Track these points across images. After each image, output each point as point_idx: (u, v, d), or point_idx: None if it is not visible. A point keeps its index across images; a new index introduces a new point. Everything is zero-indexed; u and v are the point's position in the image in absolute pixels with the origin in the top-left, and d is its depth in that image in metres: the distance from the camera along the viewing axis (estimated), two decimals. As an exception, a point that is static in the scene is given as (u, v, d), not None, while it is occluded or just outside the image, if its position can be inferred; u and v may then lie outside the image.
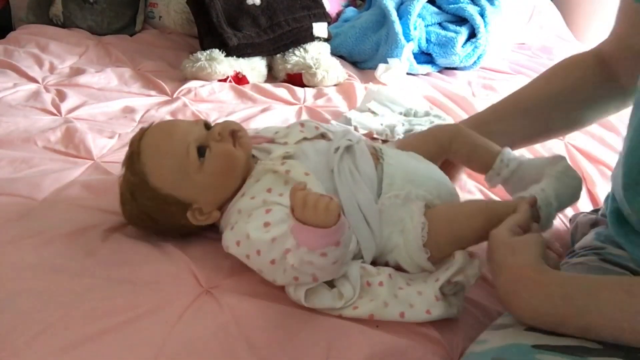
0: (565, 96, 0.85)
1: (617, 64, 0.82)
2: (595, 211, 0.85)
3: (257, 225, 0.66)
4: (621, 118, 1.35)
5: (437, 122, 1.20)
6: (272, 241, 0.64)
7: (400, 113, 1.25)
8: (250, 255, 0.66)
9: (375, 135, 1.15)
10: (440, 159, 0.88)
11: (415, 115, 1.24)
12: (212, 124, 0.77)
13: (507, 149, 0.85)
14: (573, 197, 0.79)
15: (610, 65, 0.82)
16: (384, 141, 1.13)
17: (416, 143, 0.87)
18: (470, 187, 0.98)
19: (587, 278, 0.61)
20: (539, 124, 0.89)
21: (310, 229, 0.58)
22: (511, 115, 0.89)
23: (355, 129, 1.15)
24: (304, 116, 1.25)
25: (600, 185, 1.08)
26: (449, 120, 1.22)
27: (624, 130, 1.30)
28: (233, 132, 0.74)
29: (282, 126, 0.85)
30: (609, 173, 1.13)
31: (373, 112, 1.24)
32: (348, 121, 1.20)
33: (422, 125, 1.18)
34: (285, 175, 0.71)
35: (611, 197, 0.71)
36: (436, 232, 0.69)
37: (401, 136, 1.13)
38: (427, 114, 1.24)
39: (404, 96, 1.33)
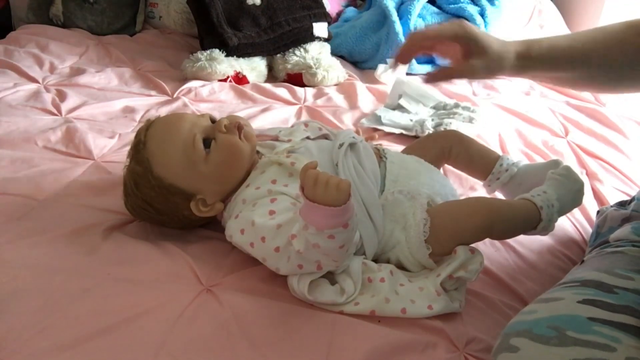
0: (610, 45, 0.75)
1: None
2: (622, 205, 0.85)
3: (262, 212, 0.66)
4: (624, 117, 1.35)
5: (467, 113, 1.19)
6: (277, 227, 0.64)
7: (431, 107, 1.25)
8: (255, 242, 0.66)
9: (405, 132, 1.15)
10: (440, 163, 0.89)
11: (445, 108, 1.25)
12: (217, 118, 0.77)
13: (506, 155, 0.86)
14: (575, 200, 0.79)
15: None
16: (415, 137, 1.13)
17: (418, 147, 0.88)
18: (472, 184, 0.98)
19: None
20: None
21: (320, 207, 0.58)
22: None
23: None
24: (304, 116, 1.25)
25: (604, 183, 1.08)
26: (478, 112, 1.21)
27: (625, 130, 1.30)
28: (239, 125, 0.75)
29: (285, 127, 0.85)
30: (613, 171, 1.13)
31: (404, 109, 1.24)
32: (378, 119, 1.19)
33: (451, 118, 1.17)
34: (291, 167, 0.72)
35: None
36: (438, 228, 0.69)
37: (431, 131, 1.13)
38: (456, 105, 1.24)
39: (432, 88, 1.33)
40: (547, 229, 0.74)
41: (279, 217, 0.65)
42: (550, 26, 1.95)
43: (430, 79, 0.76)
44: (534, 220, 0.73)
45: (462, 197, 0.95)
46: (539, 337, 0.52)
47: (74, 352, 0.58)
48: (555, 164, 0.82)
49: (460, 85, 1.51)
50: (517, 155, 1.13)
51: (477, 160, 0.87)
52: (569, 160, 1.15)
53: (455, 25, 0.72)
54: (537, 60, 0.74)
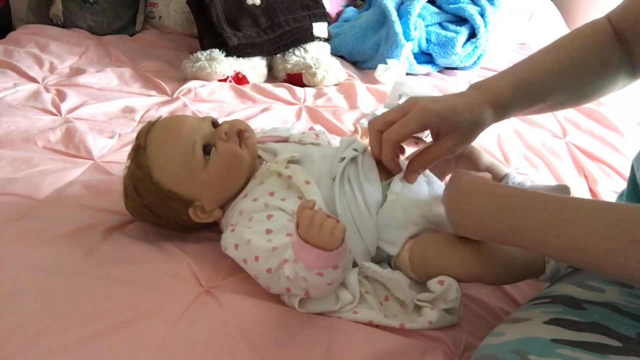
0: (576, 63, 0.74)
1: (632, 35, 0.72)
2: None
3: (259, 231, 0.66)
4: (622, 117, 1.35)
5: None
6: (272, 250, 0.63)
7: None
8: (248, 260, 0.66)
9: None
10: (446, 174, 0.87)
11: None
12: (219, 122, 0.76)
13: (513, 173, 0.84)
14: None
15: (624, 35, 0.74)
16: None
17: None
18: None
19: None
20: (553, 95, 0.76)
21: (311, 248, 0.57)
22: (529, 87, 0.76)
23: None
24: (304, 116, 1.24)
25: (601, 184, 1.08)
26: None
27: (624, 130, 1.30)
28: (240, 132, 0.74)
29: (296, 132, 0.84)
30: (610, 171, 1.13)
31: None
32: None
33: None
34: (288, 180, 0.71)
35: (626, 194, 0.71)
36: (426, 263, 0.67)
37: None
38: None
39: (432, 89, 1.33)
40: (551, 280, 0.68)
41: (275, 239, 0.64)
42: (550, 26, 1.96)
43: (412, 168, 0.73)
44: (535, 271, 0.67)
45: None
46: None
47: (73, 353, 0.58)
48: (562, 189, 0.78)
49: (460, 85, 1.51)
50: (516, 158, 1.13)
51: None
52: (567, 162, 1.15)
53: (419, 115, 0.68)
54: (510, 108, 0.73)
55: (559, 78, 0.73)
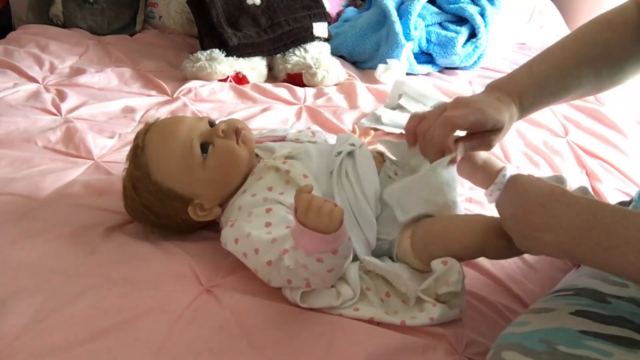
0: (599, 61, 0.73)
1: None
2: (622, 205, 0.84)
3: (258, 224, 0.66)
4: (623, 117, 1.35)
5: None
6: (272, 242, 0.63)
7: (432, 107, 1.25)
8: (248, 253, 0.66)
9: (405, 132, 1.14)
10: None
11: None
12: (216, 122, 0.77)
13: (510, 166, 0.84)
14: None
15: None
16: None
17: None
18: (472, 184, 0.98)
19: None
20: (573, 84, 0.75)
21: (310, 232, 0.57)
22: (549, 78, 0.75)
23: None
24: (304, 116, 1.24)
25: (603, 182, 1.07)
26: None
27: (625, 129, 1.30)
28: (237, 130, 0.74)
29: (292, 131, 0.85)
30: (612, 170, 1.13)
31: (404, 108, 1.23)
32: (378, 119, 1.19)
33: None
34: (286, 174, 0.71)
35: None
36: (429, 241, 0.66)
37: None
38: None
39: (432, 88, 1.32)
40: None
41: (274, 231, 0.64)
42: (550, 26, 1.96)
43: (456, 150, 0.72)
44: None
45: (462, 197, 0.95)
46: (531, 351, 0.51)
47: (73, 353, 0.58)
48: (558, 179, 0.79)
49: (460, 85, 1.51)
50: (517, 156, 1.13)
51: (481, 169, 0.84)
52: (569, 160, 1.15)
53: (477, 116, 0.68)
54: (529, 110, 0.74)
55: (580, 77, 0.73)
